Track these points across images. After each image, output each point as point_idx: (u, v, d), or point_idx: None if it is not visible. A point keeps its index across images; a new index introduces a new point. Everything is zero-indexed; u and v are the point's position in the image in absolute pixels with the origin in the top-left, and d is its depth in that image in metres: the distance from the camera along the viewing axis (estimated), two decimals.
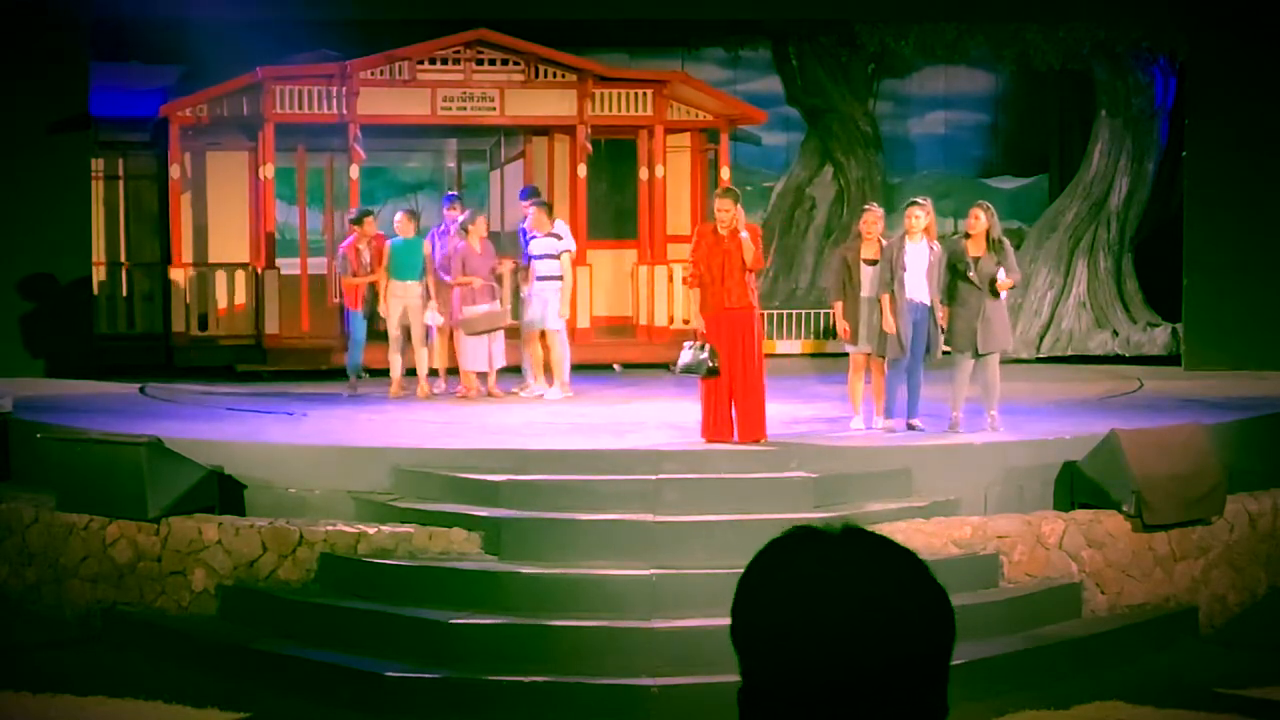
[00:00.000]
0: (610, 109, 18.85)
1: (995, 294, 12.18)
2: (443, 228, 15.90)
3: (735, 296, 11.70)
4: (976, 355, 12.26)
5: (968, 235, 12.43)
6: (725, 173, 19.69)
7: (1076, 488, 11.64)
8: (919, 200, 12.73)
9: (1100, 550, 11.18)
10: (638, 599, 10.19)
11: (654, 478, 11.07)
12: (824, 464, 11.39)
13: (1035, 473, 11.74)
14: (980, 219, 12.32)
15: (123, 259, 19.63)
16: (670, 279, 19.20)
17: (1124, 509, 11.28)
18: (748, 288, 11.74)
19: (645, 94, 18.97)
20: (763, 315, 11.95)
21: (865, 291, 12.64)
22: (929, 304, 12.32)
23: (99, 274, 19.04)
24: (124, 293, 19.63)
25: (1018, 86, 21.49)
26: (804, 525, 1.91)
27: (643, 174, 19.27)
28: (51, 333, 17.57)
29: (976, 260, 12.22)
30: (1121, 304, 19.99)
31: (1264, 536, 12.14)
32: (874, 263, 12.57)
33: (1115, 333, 19.74)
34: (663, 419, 13.48)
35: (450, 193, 17.53)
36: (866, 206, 13.58)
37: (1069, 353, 19.72)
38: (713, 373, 11.60)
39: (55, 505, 11.80)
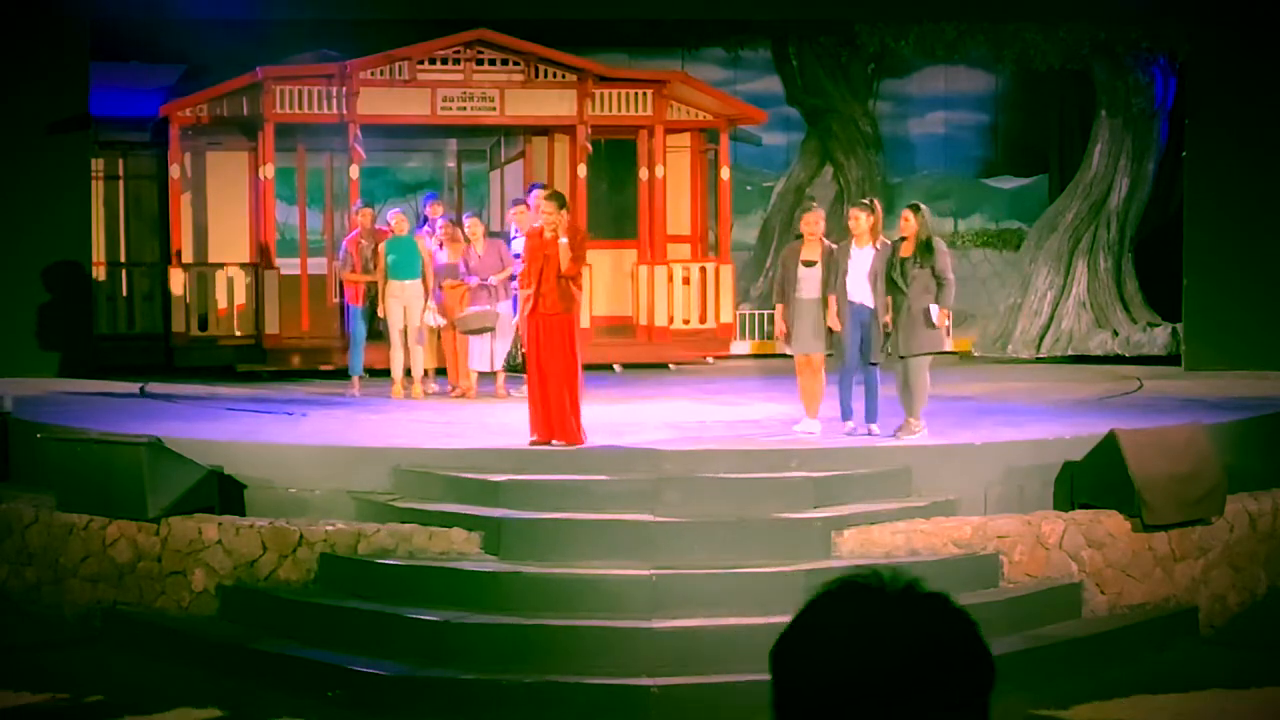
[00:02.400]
0: (610, 109, 18.85)
1: (937, 294, 11.84)
2: (424, 227, 15.95)
3: (549, 302, 11.72)
4: (900, 358, 11.93)
5: (903, 238, 12.01)
6: (725, 173, 19.72)
7: (1076, 488, 11.63)
8: (863, 201, 12.59)
9: (1100, 550, 11.16)
10: (637, 599, 10.18)
11: (654, 478, 11.07)
12: (824, 464, 11.38)
13: (1035, 473, 11.73)
14: (909, 221, 11.91)
15: (123, 259, 19.63)
16: (670, 279, 19.22)
17: (1124, 509, 11.27)
18: (561, 293, 11.70)
19: (645, 94, 18.97)
20: (575, 320, 11.91)
21: (803, 293, 12.27)
22: (872, 306, 12.04)
23: (99, 274, 19.03)
24: (124, 293, 19.65)
25: (1018, 86, 21.50)
26: (848, 577, 1.91)
27: (643, 174, 19.27)
28: (51, 333, 17.56)
29: (903, 262, 11.88)
30: (1121, 304, 19.98)
31: (1264, 536, 12.12)
32: (812, 264, 12.27)
33: (1115, 333, 19.73)
34: (663, 419, 13.49)
35: (430, 192, 17.56)
36: (808, 207, 13.42)
37: (1069, 353, 19.72)
38: (514, 368, 12.75)
39: (55, 505, 11.80)
